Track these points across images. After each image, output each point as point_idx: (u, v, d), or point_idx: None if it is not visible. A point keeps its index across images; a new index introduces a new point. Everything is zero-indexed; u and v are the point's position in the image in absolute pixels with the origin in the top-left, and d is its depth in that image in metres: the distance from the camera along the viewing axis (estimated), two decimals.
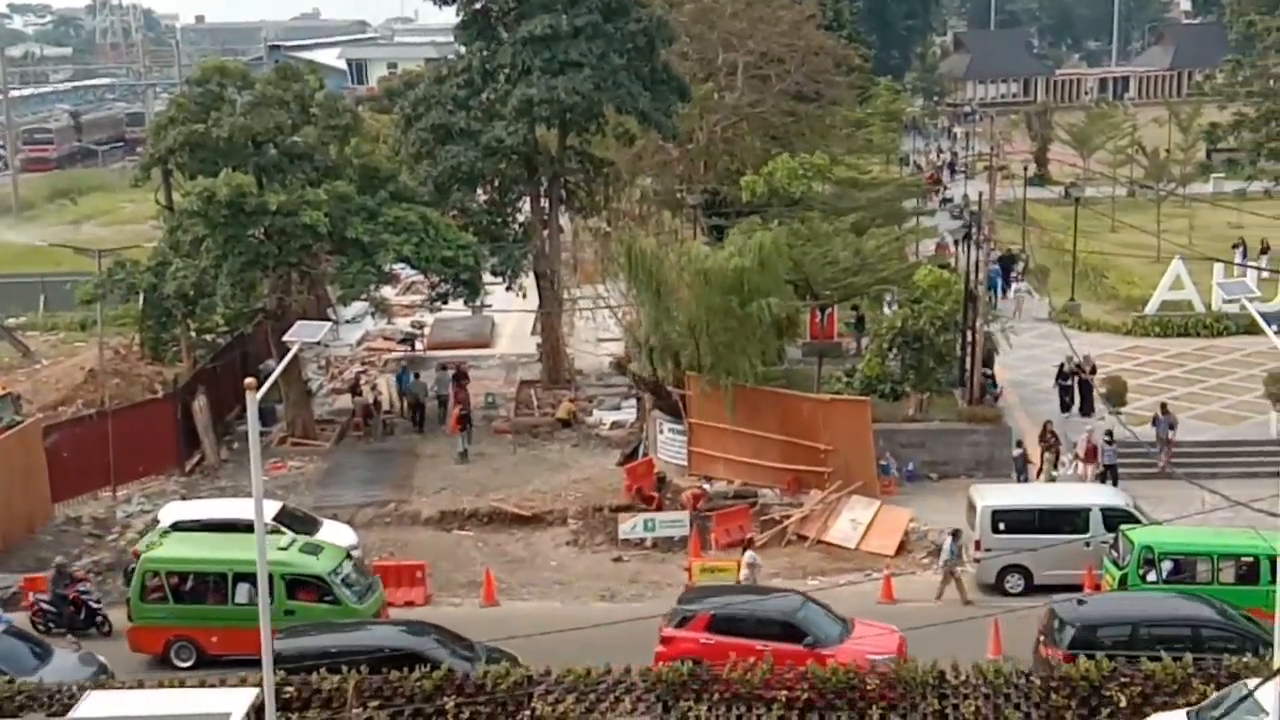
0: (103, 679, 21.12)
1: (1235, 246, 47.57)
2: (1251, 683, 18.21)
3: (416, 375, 38.78)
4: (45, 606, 24.77)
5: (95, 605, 25.07)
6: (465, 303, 38.58)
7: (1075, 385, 34.26)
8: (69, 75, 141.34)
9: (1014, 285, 45.16)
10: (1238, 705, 18.15)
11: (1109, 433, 30.33)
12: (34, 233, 63.32)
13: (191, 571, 24.42)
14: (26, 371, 42.59)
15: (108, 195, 78.68)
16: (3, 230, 69.86)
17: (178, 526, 27.32)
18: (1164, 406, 32.30)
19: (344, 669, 19.83)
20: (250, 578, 23.40)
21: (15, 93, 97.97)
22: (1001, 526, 26.31)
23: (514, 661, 21.13)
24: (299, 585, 23.82)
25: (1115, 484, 29.57)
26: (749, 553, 26.32)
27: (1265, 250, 47.29)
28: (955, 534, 26.21)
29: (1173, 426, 31.73)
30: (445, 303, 38.76)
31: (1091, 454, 30.22)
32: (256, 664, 20.23)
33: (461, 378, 37.98)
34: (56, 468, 31.01)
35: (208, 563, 24.50)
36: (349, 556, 25.29)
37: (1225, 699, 18.56)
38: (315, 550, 24.92)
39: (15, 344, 45.18)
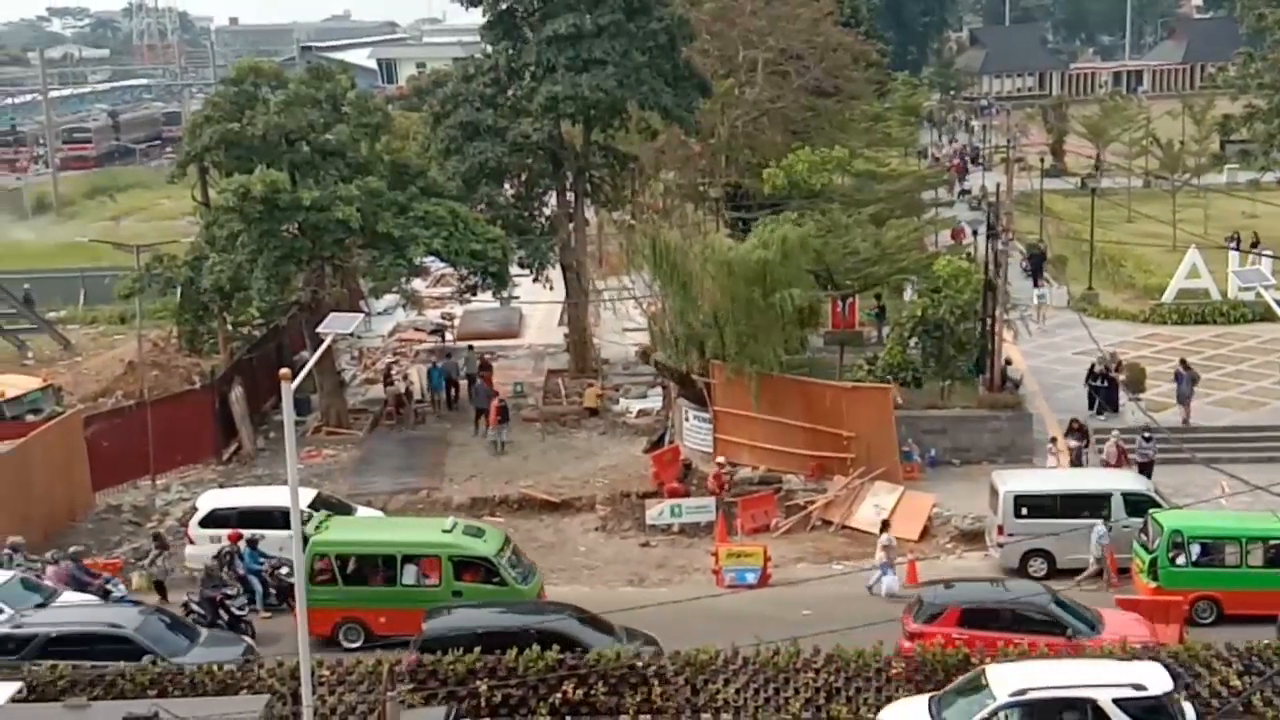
0: (250, 659, 21.43)
1: (1229, 239, 47.90)
2: (990, 669, 18.86)
3: (449, 355, 39.31)
4: (195, 608, 24.65)
5: (238, 612, 24.77)
6: (493, 294, 39.03)
7: (1105, 384, 33.87)
8: (107, 76, 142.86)
9: (1036, 290, 44.01)
10: (969, 690, 18.85)
11: (1147, 431, 30.19)
12: (74, 229, 64.08)
13: (360, 554, 24.57)
14: (67, 364, 43.37)
15: (145, 192, 79.63)
16: (44, 226, 70.87)
17: (215, 514, 27.94)
18: (1184, 362, 32.73)
19: (495, 650, 20.16)
20: (417, 559, 24.14)
21: (55, 93, 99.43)
22: (1024, 511, 26.66)
23: (654, 643, 21.45)
24: (465, 567, 24.01)
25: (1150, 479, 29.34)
26: (885, 535, 26.44)
27: (1255, 244, 47.61)
28: (1104, 519, 26.00)
29: (1195, 381, 32.04)
30: (474, 294, 39.45)
31: (1120, 460, 30.02)
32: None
33: (485, 369, 38.54)
34: (97, 457, 31.45)
35: (375, 545, 24.80)
36: (508, 540, 25.60)
37: (963, 684, 19.18)
38: (479, 533, 25.13)
39: (56, 337, 45.90)
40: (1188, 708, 18.67)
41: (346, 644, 23.90)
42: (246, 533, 26.57)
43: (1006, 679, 18.55)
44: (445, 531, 24.69)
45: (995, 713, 18.17)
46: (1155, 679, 18.37)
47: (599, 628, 21.71)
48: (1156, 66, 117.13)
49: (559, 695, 19.98)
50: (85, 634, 21.71)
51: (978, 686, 18.76)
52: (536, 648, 20.35)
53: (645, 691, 20.10)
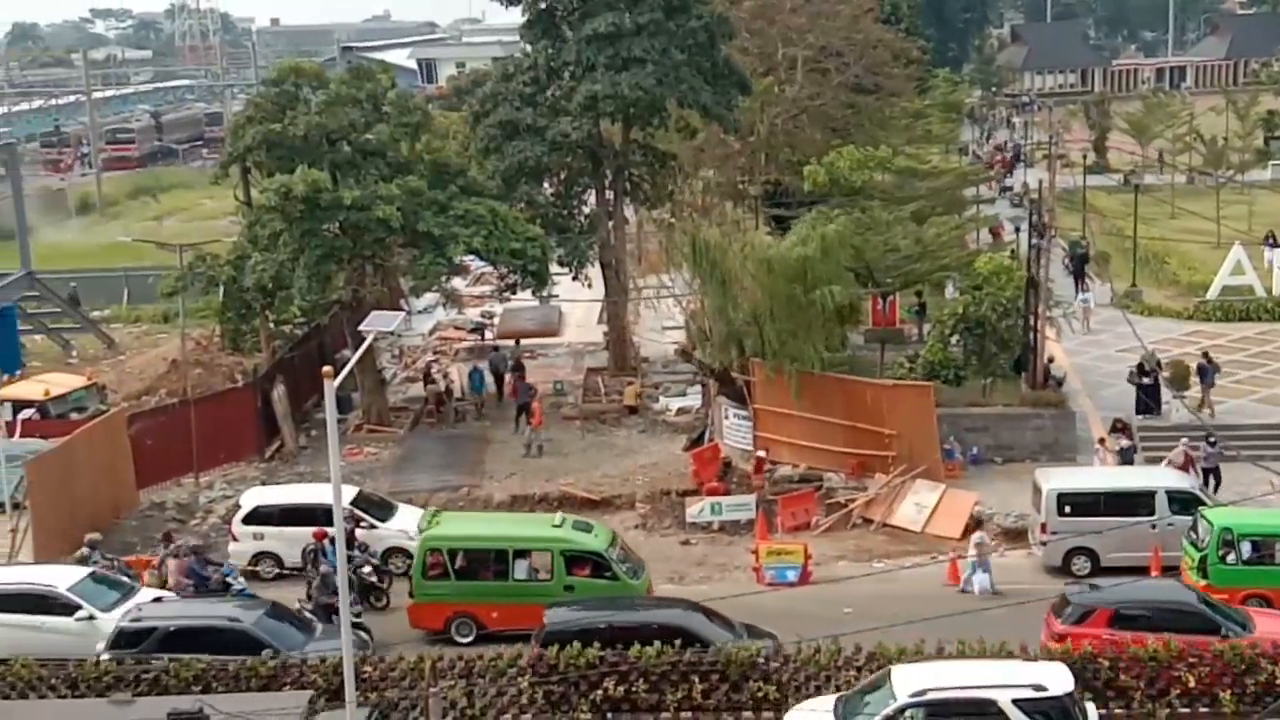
0: (366, 653, 21.47)
1: (1267, 238, 47.24)
2: (896, 669, 18.95)
3: (495, 349, 39.38)
4: (307, 613, 24.43)
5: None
6: (533, 293, 39.06)
7: (1154, 383, 33.40)
8: (149, 77, 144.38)
9: (1080, 294, 42.86)
10: (873, 690, 18.92)
11: (1210, 436, 29.79)
12: (117, 229, 64.62)
13: (472, 548, 24.70)
14: (111, 362, 43.82)
15: (188, 192, 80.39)
16: (88, 227, 71.72)
17: (258, 512, 28.11)
18: (1207, 355, 32.90)
19: (616, 644, 20.29)
20: (528, 554, 24.29)
21: (98, 94, 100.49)
22: (1067, 509, 26.48)
23: (773, 638, 21.42)
24: (576, 561, 24.14)
25: (1218, 486, 29.10)
26: (978, 533, 26.22)
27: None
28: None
29: (1217, 371, 32.33)
30: (514, 293, 39.53)
31: (1187, 465, 29.39)
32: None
33: (518, 369, 38.54)
34: (141, 455, 31.69)
35: (488, 540, 24.94)
36: (616, 535, 25.68)
37: (869, 684, 19.26)
38: (588, 528, 25.21)
39: (100, 336, 46.43)
40: (1090, 708, 18.83)
41: (459, 638, 23.97)
42: (332, 530, 26.35)
43: (909, 679, 18.68)
44: (555, 526, 24.79)
45: (896, 712, 18.27)
46: (1056, 680, 18.47)
47: (721, 623, 21.60)
48: (1199, 62, 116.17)
49: (682, 691, 19.96)
50: (203, 628, 21.94)
51: (882, 686, 18.92)
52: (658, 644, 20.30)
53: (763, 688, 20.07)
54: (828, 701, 19.29)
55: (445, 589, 24.27)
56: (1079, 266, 45.41)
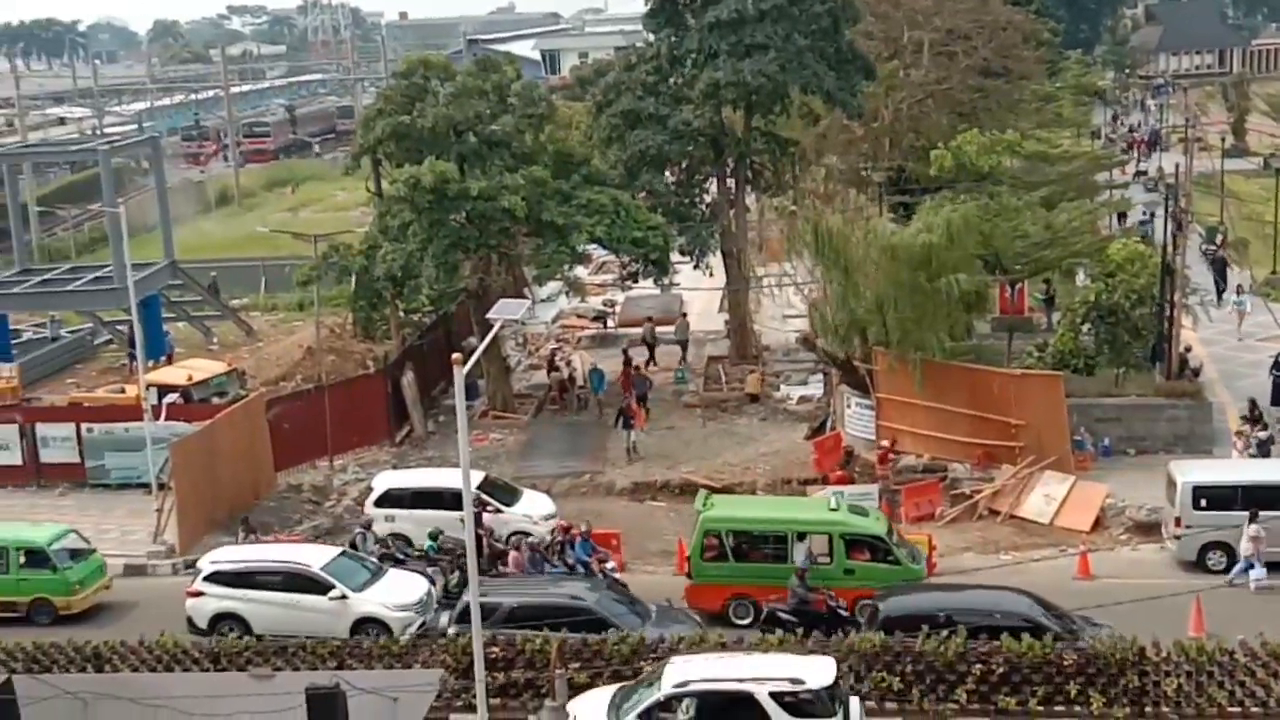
0: (697, 634, 21.60)
1: None
2: (674, 661, 18.82)
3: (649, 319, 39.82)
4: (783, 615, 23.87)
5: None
6: (654, 281, 39.30)
7: None
8: (284, 72, 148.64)
9: (1235, 297, 40.71)
10: (647, 682, 18.88)
11: None
12: (254, 220, 66.49)
13: (751, 531, 24.78)
14: (250, 349, 45.06)
15: (321, 184, 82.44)
16: (226, 218, 73.99)
17: (389, 494, 28.81)
18: None
19: (948, 633, 20.10)
20: (807, 537, 24.28)
21: (235, 89, 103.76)
22: (1203, 503, 25.83)
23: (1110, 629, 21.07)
24: (855, 545, 24.15)
25: None
26: (1254, 525, 25.37)
27: None
28: None
29: None
30: (635, 281, 39.81)
31: None
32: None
33: (628, 364, 38.30)
34: (278, 438, 32.56)
35: (767, 522, 24.99)
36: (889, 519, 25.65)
37: (647, 675, 19.16)
38: (864, 512, 25.26)
39: (239, 323, 47.83)
40: (854, 702, 19.01)
41: (736, 620, 23.91)
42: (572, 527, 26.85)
43: (678, 672, 18.71)
44: (831, 510, 24.84)
45: (657, 704, 18.42)
46: (817, 674, 18.67)
47: (1056, 614, 21.25)
48: None
49: (1050, 687, 19.66)
50: (548, 606, 22.24)
51: (654, 678, 18.96)
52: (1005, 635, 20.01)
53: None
54: (607, 691, 19.43)
55: (723, 571, 24.27)
56: (1220, 269, 43.55)
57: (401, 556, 26.47)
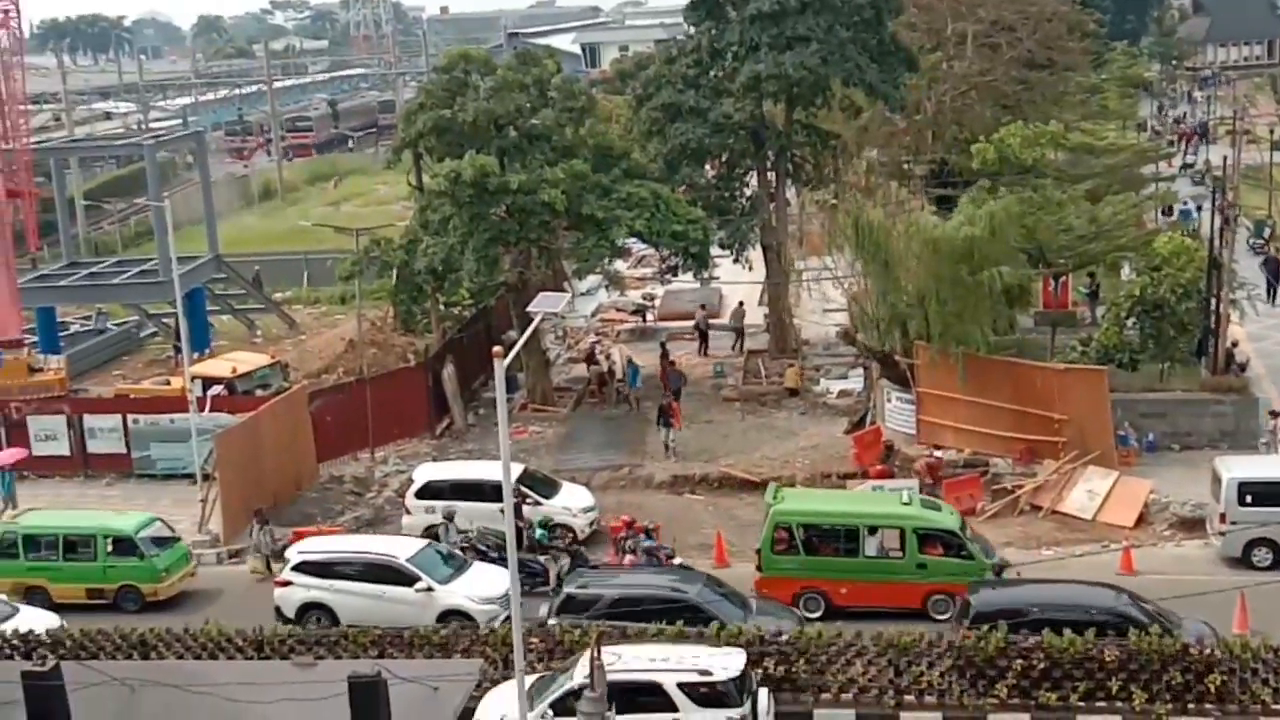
0: (799, 629, 21.28)
1: None
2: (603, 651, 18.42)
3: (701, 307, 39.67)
4: None
5: None
6: (694, 275, 39.25)
7: None
8: (326, 67, 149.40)
9: None
10: (564, 671, 19.19)
11: None
12: (297, 214, 67.05)
13: (822, 524, 24.73)
14: (293, 342, 45.58)
15: (363, 178, 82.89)
16: (270, 211, 74.63)
17: (430, 486, 28.97)
18: None
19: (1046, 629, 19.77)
20: (879, 531, 24.34)
21: (278, 84, 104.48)
22: (1249, 499, 25.59)
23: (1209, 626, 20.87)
24: (928, 539, 24.10)
25: None
26: None
27: None
28: None
29: None
30: (675, 275, 39.76)
31: None
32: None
33: (665, 356, 38.26)
34: (321, 430, 32.89)
35: (838, 516, 24.90)
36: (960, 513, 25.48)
37: (569, 663, 19.42)
38: (936, 506, 25.30)
39: (282, 316, 48.32)
40: (762, 693, 19.36)
41: (806, 613, 23.79)
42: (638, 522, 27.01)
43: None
44: (904, 504, 24.80)
45: (567, 694, 18.64)
46: (726, 665, 19.06)
47: (1150, 609, 21.01)
48: None
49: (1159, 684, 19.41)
50: (649, 596, 22.22)
51: (568, 668, 19.15)
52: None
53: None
54: (530, 679, 19.30)
55: (793, 564, 24.26)
56: (1274, 270, 42.76)
57: (483, 548, 26.57)
